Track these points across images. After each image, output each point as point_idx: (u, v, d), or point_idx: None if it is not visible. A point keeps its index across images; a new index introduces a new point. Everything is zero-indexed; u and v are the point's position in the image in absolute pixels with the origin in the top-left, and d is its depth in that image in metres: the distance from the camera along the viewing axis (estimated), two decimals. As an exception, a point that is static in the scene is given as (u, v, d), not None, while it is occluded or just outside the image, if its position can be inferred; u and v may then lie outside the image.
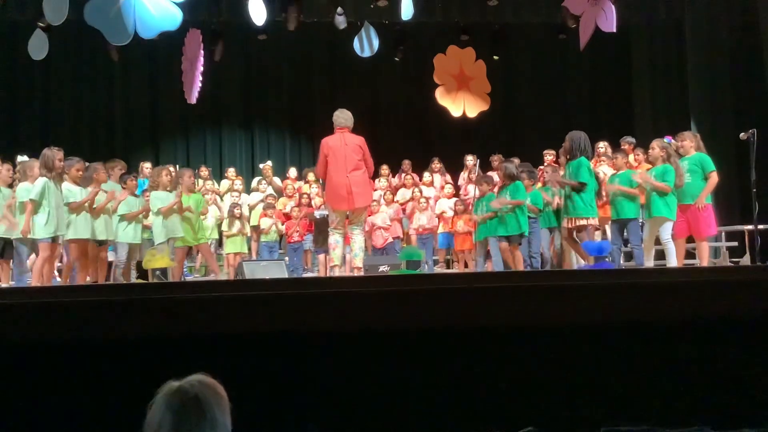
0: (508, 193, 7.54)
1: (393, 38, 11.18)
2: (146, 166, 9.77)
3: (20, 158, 7.47)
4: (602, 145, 8.91)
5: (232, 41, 11.45)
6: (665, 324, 3.87)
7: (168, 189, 7.68)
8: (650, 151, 6.96)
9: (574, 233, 7.02)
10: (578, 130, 7.18)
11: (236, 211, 9.25)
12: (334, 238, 7.17)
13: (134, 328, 3.60)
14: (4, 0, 9.74)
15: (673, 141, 7.18)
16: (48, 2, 7.78)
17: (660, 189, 6.61)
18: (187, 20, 7.76)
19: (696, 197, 6.66)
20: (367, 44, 10.17)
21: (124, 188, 7.67)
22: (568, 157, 7.17)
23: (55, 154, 6.47)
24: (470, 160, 10.33)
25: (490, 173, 9.09)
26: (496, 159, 9.91)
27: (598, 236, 8.10)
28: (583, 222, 6.88)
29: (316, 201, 9.72)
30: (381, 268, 7.87)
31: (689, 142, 6.88)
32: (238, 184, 10.26)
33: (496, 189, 8.13)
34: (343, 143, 6.97)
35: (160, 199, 7.56)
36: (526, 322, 3.84)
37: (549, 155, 9.58)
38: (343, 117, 7.10)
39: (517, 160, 8.87)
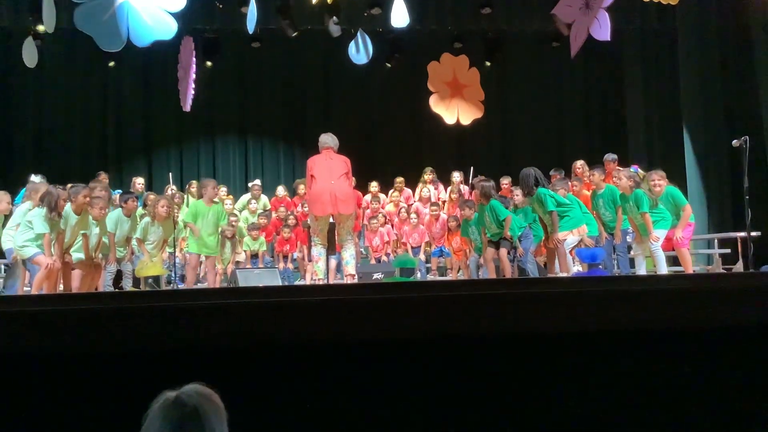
0: (487, 213, 7.54)
1: (387, 46, 11.19)
2: (139, 182, 9.73)
3: (33, 177, 7.44)
4: (579, 164, 8.88)
5: (225, 49, 11.46)
6: (658, 332, 3.87)
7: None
8: (618, 181, 7.07)
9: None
10: (526, 168, 7.26)
11: (227, 233, 9.17)
12: (317, 250, 7.23)
13: (126, 337, 3.57)
14: None
15: (639, 170, 7.30)
16: (46, 10, 7.77)
17: (650, 225, 6.72)
18: (181, 28, 7.75)
19: (670, 224, 6.82)
20: (362, 51, 10.19)
21: (123, 206, 7.63)
22: (526, 194, 7.27)
23: (60, 194, 6.46)
24: (456, 176, 10.34)
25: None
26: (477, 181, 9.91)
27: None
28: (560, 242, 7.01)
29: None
30: (375, 276, 7.87)
31: (659, 180, 6.98)
32: (229, 203, 10.18)
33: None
34: (328, 158, 7.24)
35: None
36: (520, 330, 3.83)
37: (505, 183, 9.64)
38: (328, 138, 7.41)
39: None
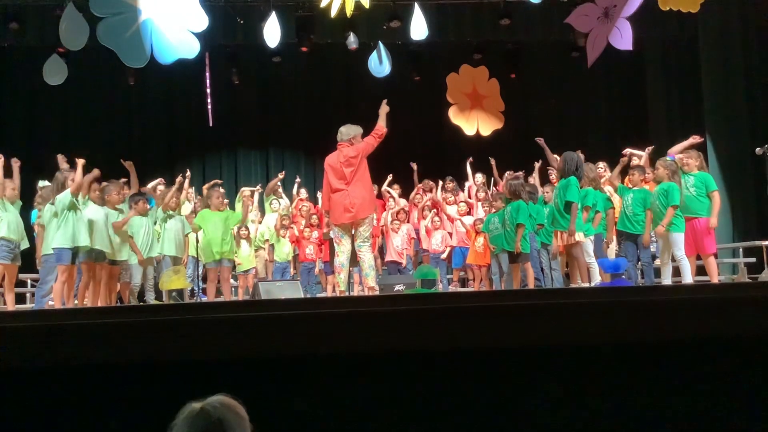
0: (510, 210, 7.57)
1: (406, 58, 11.23)
2: (160, 188, 9.81)
3: (41, 183, 7.58)
4: (602, 166, 8.79)
5: (247, 64, 11.56)
6: (683, 342, 3.83)
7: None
8: (656, 171, 7.03)
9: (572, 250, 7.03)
10: (572, 152, 7.20)
11: (243, 232, 9.24)
12: (339, 261, 7.09)
13: (150, 350, 3.61)
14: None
15: (676, 157, 7.24)
16: (66, 28, 7.89)
17: (670, 218, 6.69)
18: (203, 44, 7.84)
19: (697, 212, 6.75)
20: (381, 64, 10.24)
21: (134, 207, 7.75)
22: (560, 175, 7.20)
23: (66, 175, 6.67)
24: (479, 178, 10.35)
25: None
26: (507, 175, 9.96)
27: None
28: (574, 239, 6.91)
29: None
30: (396, 288, 7.86)
31: (693, 160, 6.95)
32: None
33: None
34: (339, 161, 7.02)
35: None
36: (541, 342, 3.81)
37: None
38: (343, 132, 7.17)
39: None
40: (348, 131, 7.16)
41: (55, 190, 6.65)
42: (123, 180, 8.06)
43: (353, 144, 7.09)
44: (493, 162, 9.55)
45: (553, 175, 8.86)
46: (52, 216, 6.59)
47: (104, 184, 7.33)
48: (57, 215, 6.53)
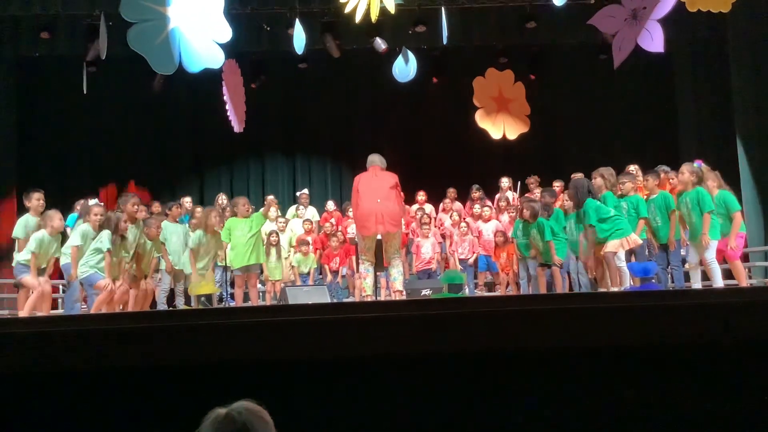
0: (534, 232, 7.80)
1: (431, 63, 11.22)
2: (187, 201, 9.89)
3: (91, 201, 7.70)
4: (633, 168, 8.63)
5: (273, 71, 11.64)
6: (714, 346, 3.78)
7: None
8: (680, 175, 6.93)
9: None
10: (579, 177, 7.21)
11: (273, 239, 9.25)
12: (364, 267, 7.27)
13: (178, 355, 3.64)
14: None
15: (703, 165, 7.11)
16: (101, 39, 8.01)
17: (707, 227, 6.56)
18: (229, 52, 7.91)
19: (719, 233, 6.65)
20: (405, 69, 10.24)
21: (168, 214, 7.86)
22: (576, 206, 7.10)
23: (119, 216, 6.81)
24: (505, 182, 10.31)
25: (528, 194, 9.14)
26: (532, 181, 9.97)
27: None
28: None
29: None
30: (423, 292, 7.85)
31: (711, 182, 6.85)
32: (273, 211, 10.24)
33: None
34: (374, 175, 7.31)
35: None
36: (572, 345, 3.78)
37: (557, 185, 9.50)
38: (375, 157, 7.52)
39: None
40: (381, 159, 7.52)
41: (106, 226, 6.69)
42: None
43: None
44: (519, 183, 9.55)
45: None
46: (84, 237, 6.69)
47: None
48: (87, 241, 6.64)
